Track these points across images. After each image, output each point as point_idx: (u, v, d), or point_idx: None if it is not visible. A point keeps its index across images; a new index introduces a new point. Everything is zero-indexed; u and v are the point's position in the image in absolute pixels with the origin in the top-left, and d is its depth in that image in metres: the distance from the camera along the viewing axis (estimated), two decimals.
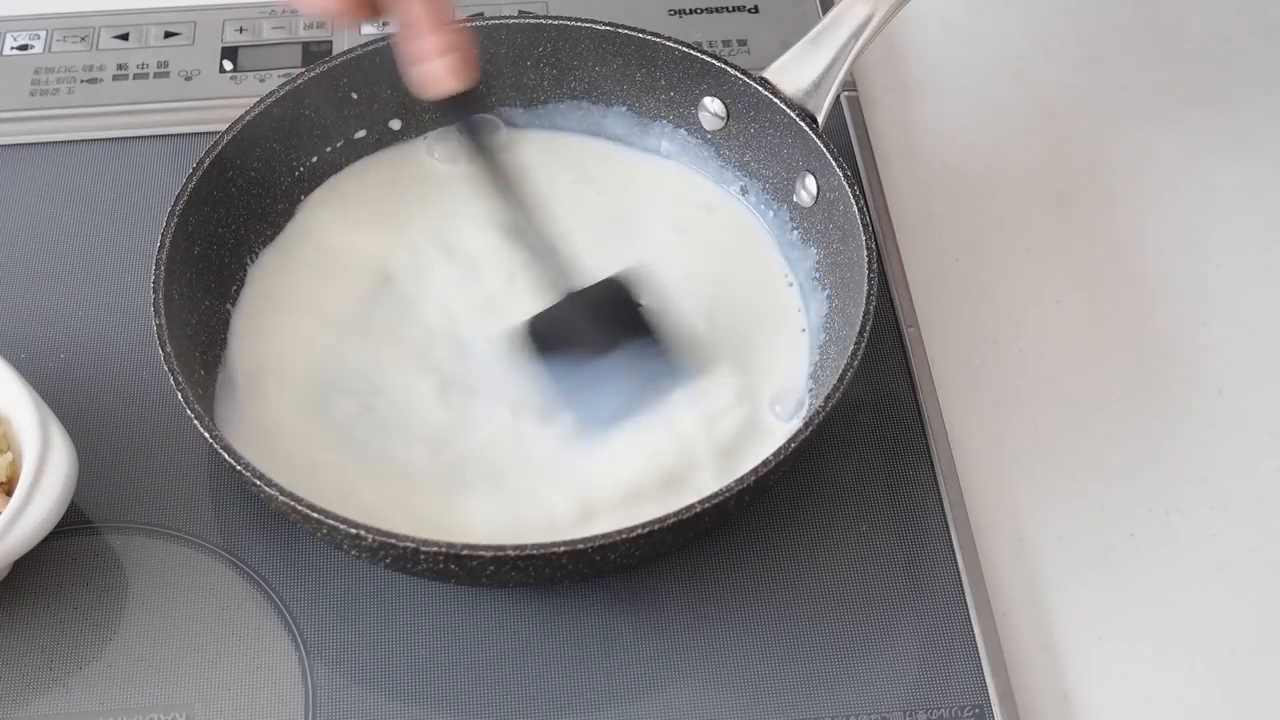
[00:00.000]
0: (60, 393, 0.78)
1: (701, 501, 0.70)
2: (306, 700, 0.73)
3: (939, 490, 0.80)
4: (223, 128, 0.84)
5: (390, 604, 0.76)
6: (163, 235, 0.78)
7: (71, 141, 0.94)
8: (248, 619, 0.76)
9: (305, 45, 0.99)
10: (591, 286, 0.80)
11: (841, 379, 0.73)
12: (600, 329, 0.80)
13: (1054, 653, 0.76)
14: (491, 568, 0.69)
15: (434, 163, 0.89)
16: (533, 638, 0.75)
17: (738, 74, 0.86)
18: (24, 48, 0.98)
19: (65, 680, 0.74)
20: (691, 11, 1.01)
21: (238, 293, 0.84)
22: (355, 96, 0.87)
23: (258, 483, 0.70)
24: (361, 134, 0.89)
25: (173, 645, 0.75)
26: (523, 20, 0.89)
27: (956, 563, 0.78)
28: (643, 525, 0.69)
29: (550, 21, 0.88)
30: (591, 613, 0.76)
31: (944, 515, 0.79)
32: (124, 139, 0.94)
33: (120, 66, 0.97)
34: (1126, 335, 0.88)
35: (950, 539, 0.79)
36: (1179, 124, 0.98)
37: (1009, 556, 0.79)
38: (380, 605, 0.76)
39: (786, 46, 0.86)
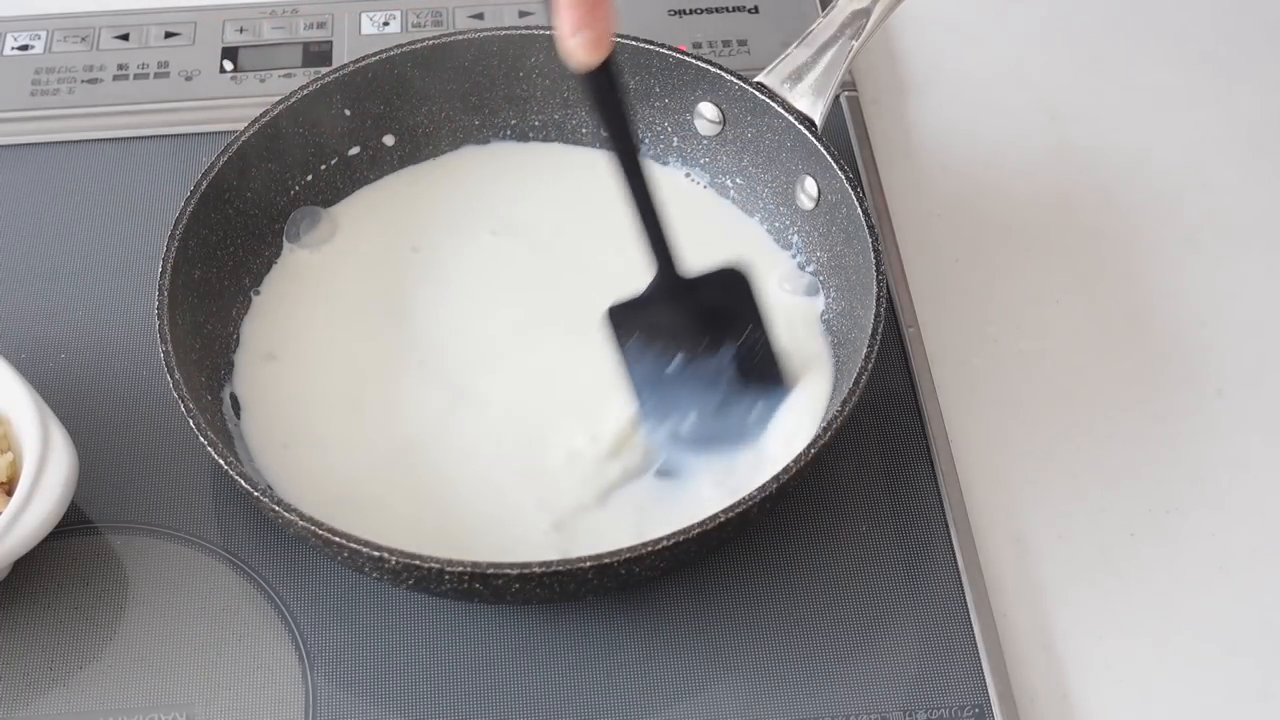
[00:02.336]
0: (60, 393, 0.78)
1: (725, 510, 0.69)
2: (306, 701, 0.73)
3: (939, 490, 0.80)
4: (223, 128, 0.84)
5: (391, 606, 0.76)
6: (164, 260, 0.77)
7: (72, 141, 0.94)
8: (248, 620, 0.76)
9: (305, 45, 0.99)
10: (701, 275, 0.77)
11: (857, 382, 0.73)
12: (700, 326, 0.77)
13: (1054, 652, 0.76)
14: (517, 586, 0.69)
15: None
16: (535, 644, 0.75)
17: (733, 79, 0.85)
18: (24, 48, 0.99)
19: (65, 680, 0.74)
20: (691, 12, 1.01)
21: (239, 314, 0.83)
22: (348, 113, 0.87)
23: (276, 508, 0.70)
24: (355, 150, 0.89)
25: (173, 646, 0.75)
26: (514, 31, 0.88)
27: (956, 563, 0.78)
28: (668, 536, 0.68)
29: (543, 31, 0.88)
30: (592, 617, 0.76)
31: (944, 515, 0.79)
32: (124, 139, 0.94)
33: (120, 67, 0.97)
34: (1126, 335, 0.88)
35: (950, 539, 0.79)
36: (1179, 124, 0.99)
37: (1009, 556, 0.79)
38: (381, 607, 0.76)
39: (786, 47, 0.86)
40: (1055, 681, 0.76)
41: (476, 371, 0.82)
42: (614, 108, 0.71)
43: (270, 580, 0.77)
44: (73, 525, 0.77)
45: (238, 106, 0.88)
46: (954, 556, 0.78)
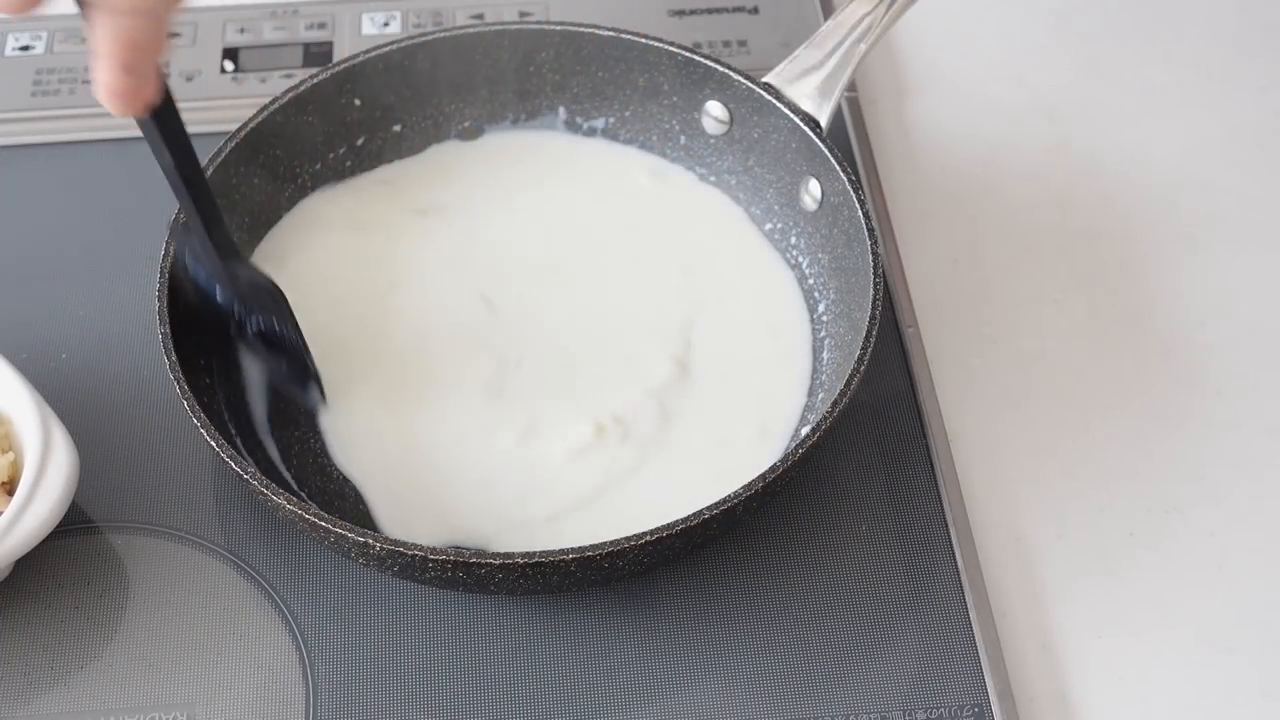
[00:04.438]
0: (61, 393, 0.78)
1: (710, 508, 0.70)
2: (307, 700, 0.73)
3: (939, 490, 0.80)
4: (224, 128, 0.84)
5: (392, 604, 0.76)
6: (166, 243, 0.78)
7: (73, 142, 0.94)
8: (249, 619, 0.76)
9: (306, 46, 0.99)
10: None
11: (848, 384, 0.73)
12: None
13: (1053, 652, 0.76)
14: (500, 575, 0.69)
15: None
16: (534, 640, 0.75)
17: (741, 79, 0.86)
18: (26, 48, 0.99)
19: (66, 679, 0.74)
20: (692, 12, 1.01)
21: None
22: (358, 103, 0.88)
23: (265, 491, 0.70)
24: (363, 140, 0.89)
25: (173, 645, 0.75)
26: (525, 26, 0.88)
27: (956, 562, 0.78)
28: (651, 532, 0.69)
29: (553, 27, 0.88)
30: (591, 614, 0.76)
31: (944, 515, 0.79)
32: (125, 139, 0.94)
33: None
34: (1126, 335, 0.88)
35: (950, 539, 0.79)
36: (1179, 124, 0.99)
37: (1008, 556, 0.80)
38: (382, 605, 0.76)
39: (786, 47, 0.86)
40: (1054, 681, 0.76)
41: (485, 352, 0.83)
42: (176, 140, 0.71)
43: (271, 580, 0.77)
44: (73, 525, 0.77)
45: (238, 107, 0.88)
46: (954, 556, 0.78)
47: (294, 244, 0.86)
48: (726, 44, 0.99)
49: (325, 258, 0.86)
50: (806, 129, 0.83)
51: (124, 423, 0.82)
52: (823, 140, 0.83)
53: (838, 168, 0.81)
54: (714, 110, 0.88)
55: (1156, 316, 0.89)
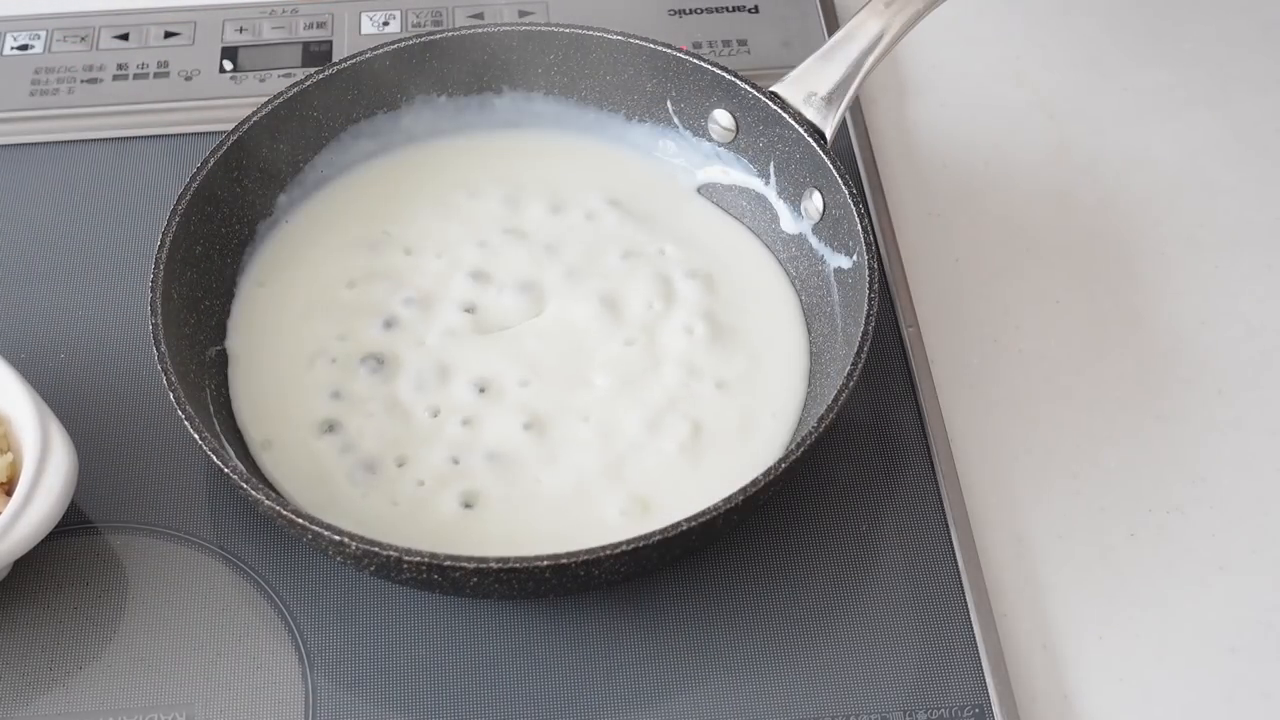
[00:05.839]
0: (60, 393, 0.78)
1: (688, 520, 0.69)
2: (306, 700, 0.73)
3: (939, 490, 0.80)
4: (223, 128, 0.84)
5: (391, 605, 0.76)
6: (164, 234, 0.78)
7: (71, 141, 0.94)
8: (248, 619, 0.76)
9: (305, 45, 0.99)
10: None
11: (836, 399, 0.73)
12: None
13: (1054, 652, 0.76)
14: (474, 579, 0.69)
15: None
16: (533, 641, 0.75)
17: (748, 88, 0.85)
18: (24, 48, 0.99)
19: (65, 680, 0.74)
20: (691, 11, 1.01)
21: (240, 292, 0.84)
22: (358, 103, 0.87)
23: (244, 486, 0.70)
24: (363, 139, 0.89)
25: (173, 645, 0.75)
26: (534, 27, 0.88)
27: (956, 563, 0.78)
28: (627, 542, 0.68)
29: (562, 30, 0.88)
30: (591, 616, 0.76)
31: (944, 515, 0.79)
32: (124, 139, 0.94)
33: (120, 66, 0.97)
34: (1126, 335, 0.88)
35: (950, 539, 0.79)
36: (1179, 124, 0.99)
37: (1009, 556, 0.79)
38: (381, 606, 0.76)
39: (787, 46, 0.86)
40: (1055, 681, 0.76)
41: (475, 348, 0.82)
42: None
43: (270, 580, 0.77)
44: (72, 525, 0.77)
45: (237, 106, 0.88)
46: (954, 556, 0.78)
47: (293, 242, 0.86)
48: (726, 43, 0.99)
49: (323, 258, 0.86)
50: (810, 140, 0.83)
51: (123, 423, 0.82)
52: (826, 152, 0.82)
53: (839, 181, 0.81)
54: (721, 118, 0.88)
55: (1157, 316, 0.89)
